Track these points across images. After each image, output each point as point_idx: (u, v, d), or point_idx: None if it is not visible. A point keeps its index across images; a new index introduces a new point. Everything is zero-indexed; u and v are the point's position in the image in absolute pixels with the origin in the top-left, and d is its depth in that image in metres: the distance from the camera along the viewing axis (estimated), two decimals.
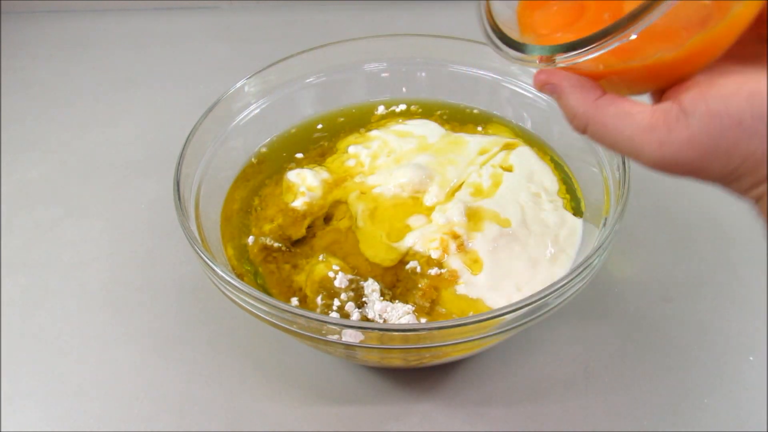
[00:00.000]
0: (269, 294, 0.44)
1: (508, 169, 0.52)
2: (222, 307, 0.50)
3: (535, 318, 0.37)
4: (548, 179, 0.51)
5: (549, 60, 0.29)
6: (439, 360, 0.44)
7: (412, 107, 0.60)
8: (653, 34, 0.26)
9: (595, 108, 0.29)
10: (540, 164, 0.53)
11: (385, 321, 0.41)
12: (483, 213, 0.48)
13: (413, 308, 0.42)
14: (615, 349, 0.47)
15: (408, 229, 0.48)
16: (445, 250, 0.45)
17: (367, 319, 0.42)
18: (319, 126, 0.59)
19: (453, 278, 0.44)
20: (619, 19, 0.26)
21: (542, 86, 0.31)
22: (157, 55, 0.84)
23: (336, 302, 0.43)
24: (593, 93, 0.29)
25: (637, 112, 0.27)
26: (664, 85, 0.29)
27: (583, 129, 0.30)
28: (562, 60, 0.29)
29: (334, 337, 0.37)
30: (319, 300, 0.43)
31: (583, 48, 0.27)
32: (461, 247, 0.46)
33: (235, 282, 0.38)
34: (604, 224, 0.45)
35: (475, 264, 0.45)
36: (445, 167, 0.52)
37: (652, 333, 0.48)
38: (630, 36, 0.26)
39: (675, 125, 0.26)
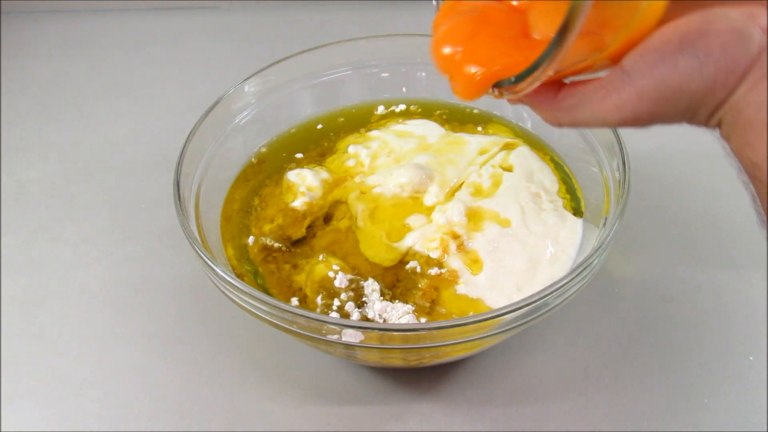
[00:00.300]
0: (269, 294, 0.44)
1: (508, 169, 0.52)
2: (222, 307, 0.50)
3: (535, 318, 0.37)
4: (548, 179, 0.51)
5: (499, 93, 0.32)
6: (439, 360, 0.44)
7: (412, 107, 0.60)
8: (573, 54, 0.28)
9: (557, 105, 0.31)
10: (540, 164, 0.53)
11: (385, 321, 0.41)
12: (483, 213, 0.48)
13: (413, 308, 0.42)
14: (615, 349, 0.47)
15: (408, 229, 0.48)
16: (445, 250, 0.45)
17: (367, 319, 0.42)
18: (319, 126, 0.59)
19: (453, 278, 0.44)
20: (534, 62, 0.28)
21: (513, 102, 0.34)
22: (157, 55, 0.84)
23: (336, 302, 0.43)
24: (551, 92, 0.32)
25: (591, 90, 0.30)
26: (612, 66, 0.30)
27: (557, 125, 0.33)
28: (507, 96, 0.32)
29: (334, 337, 0.37)
30: (319, 300, 0.43)
31: (520, 85, 0.30)
32: (461, 247, 0.46)
33: (235, 282, 0.38)
34: (604, 224, 0.45)
35: (475, 264, 0.45)
36: (445, 167, 0.52)
37: (652, 333, 0.48)
38: (549, 72, 0.28)
39: (622, 88, 0.29)
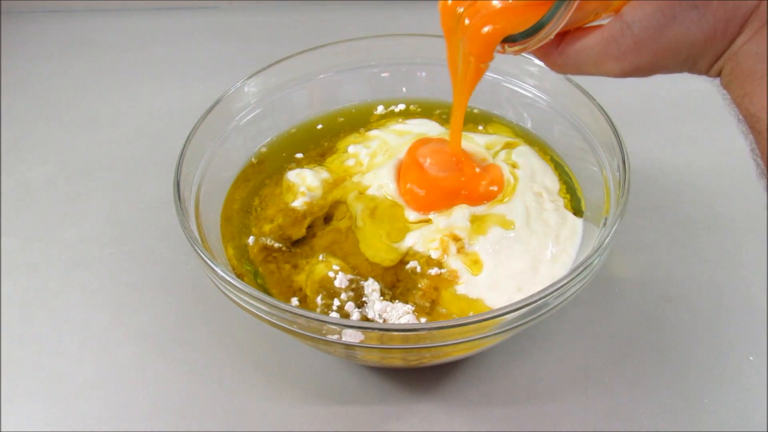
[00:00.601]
0: (269, 294, 0.44)
1: (513, 166, 0.52)
2: (222, 307, 0.50)
3: (535, 318, 0.37)
4: (549, 179, 0.51)
5: (502, 48, 0.33)
6: (439, 360, 0.44)
7: (411, 107, 0.60)
8: (581, 10, 0.29)
9: (561, 56, 0.32)
10: (541, 164, 0.53)
11: (385, 321, 0.41)
12: (489, 217, 0.48)
13: (413, 308, 0.42)
14: (615, 349, 0.47)
15: (408, 229, 0.48)
16: (444, 250, 0.45)
17: (367, 319, 0.42)
18: (319, 126, 0.59)
19: (453, 278, 0.44)
20: (540, 20, 0.29)
21: (517, 53, 0.35)
22: (157, 55, 0.84)
23: (336, 302, 0.43)
24: (554, 42, 0.32)
25: (592, 41, 0.30)
26: (613, 14, 0.31)
27: (563, 72, 0.33)
28: (511, 51, 0.33)
29: (334, 337, 0.37)
30: (319, 300, 0.43)
31: (528, 42, 0.31)
32: (461, 250, 0.45)
33: (235, 282, 0.38)
34: (604, 224, 0.45)
35: (475, 264, 0.45)
36: None
37: (652, 333, 0.48)
38: (556, 31, 0.29)
39: (621, 39, 0.29)
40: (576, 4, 0.27)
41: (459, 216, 0.47)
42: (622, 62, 0.30)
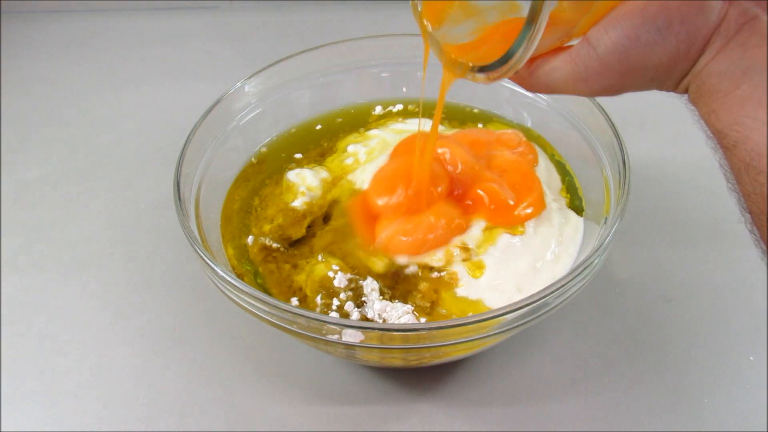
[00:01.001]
0: (269, 294, 0.44)
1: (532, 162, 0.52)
2: (222, 307, 0.50)
3: (535, 318, 0.37)
4: (552, 177, 0.51)
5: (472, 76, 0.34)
6: (439, 360, 0.44)
7: (410, 107, 0.60)
8: (545, 39, 0.29)
9: (532, 77, 0.33)
10: (544, 161, 0.53)
11: (384, 321, 0.41)
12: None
13: (413, 308, 0.42)
14: (615, 349, 0.47)
15: None
16: (448, 261, 0.45)
17: (367, 319, 0.42)
18: (318, 126, 0.59)
19: (453, 281, 0.44)
20: (507, 51, 0.29)
21: (487, 83, 0.35)
22: (157, 54, 0.84)
23: (335, 302, 0.43)
24: (524, 67, 0.32)
25: (560, 63, 0.31)
26: (581, 34, 0.31)
27: (536, 92, 0.35)
28: (480, 80, 0.33)
29: (334, 337, 0.37)
30: (318, 300, 0.43)
31: (493, 72, 0.32)
32: (467, 259, 0.45)
33: (235, 282, 0.38)
34: (605, 224, 0.45)
35: (476, 268, 0.45)
36: None
37: (652, 333, 0.48)
38: (524, 60, 0.29)
39: (588, 61, 0.30)
40: (542, 32, 0.28)
41: (475, 228, 0.46)
42: (591, 84, 0.30)
